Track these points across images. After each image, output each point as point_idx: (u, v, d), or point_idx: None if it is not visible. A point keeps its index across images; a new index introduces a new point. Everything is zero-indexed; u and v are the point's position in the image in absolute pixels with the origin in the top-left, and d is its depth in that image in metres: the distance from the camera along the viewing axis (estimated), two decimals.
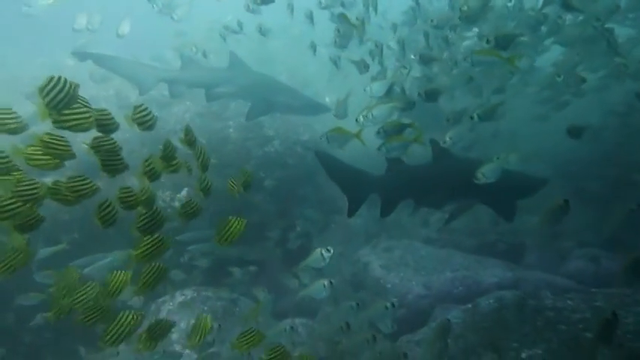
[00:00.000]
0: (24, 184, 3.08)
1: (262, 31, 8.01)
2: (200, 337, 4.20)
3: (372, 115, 4.99)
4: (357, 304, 5.28)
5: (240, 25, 8.49)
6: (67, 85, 2.89)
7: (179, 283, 7.11)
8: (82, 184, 3.32)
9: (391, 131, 5.22)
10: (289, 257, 8.50)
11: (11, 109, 2.99)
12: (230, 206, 7.06)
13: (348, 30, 6.43)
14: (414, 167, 6.46)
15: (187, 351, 5.93)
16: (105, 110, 3.26)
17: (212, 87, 8.62)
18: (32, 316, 6.64)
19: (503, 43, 5.43)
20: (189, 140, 3.85)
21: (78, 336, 6.71)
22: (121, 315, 3.50)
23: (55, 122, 3.04)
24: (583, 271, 7.53)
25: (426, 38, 7.00)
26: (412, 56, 6.44)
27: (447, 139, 5.29)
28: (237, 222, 3.80)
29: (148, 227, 3.60)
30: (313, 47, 7.86)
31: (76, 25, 8.39)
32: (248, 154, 8.69)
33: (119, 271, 3.62)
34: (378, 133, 5.22)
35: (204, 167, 3.93)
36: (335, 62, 7.24)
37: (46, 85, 2.84)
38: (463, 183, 5.91)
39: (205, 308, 6.35)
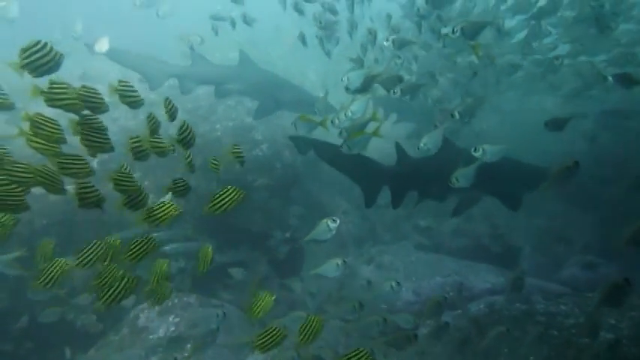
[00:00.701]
0: (17, 167, 3.01)
1: (247, 21, 7.77)
2: (204, 266, 4.00)
3: (351, 111, 4.83)
4: (369, 282, 5.05)
5: (232, 21, 8.13)
6: (52, 52, 2.87)
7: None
8: (76, 163, 3.17)
9: (353, 130, 5.14)
10: (277, 263, 8.30)
11: None
12: None
13: (329, 22, 6.32)
14: (422, 158, 6.30)
15: None
16: (93, 88, 3.18)
17: (221, 84, 8.60)
18: (12, 323, 6.43)
19: (470, 32, 5.32)
20: (171, 112, 3.71)
21: (61, 341, 6.51)
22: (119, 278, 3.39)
23: (47, 101, 3.00)
24: (578, 277, 7.33)
25: (419, 27, 6.83)
26: (385, 42, 6.25)
27: (422, 145, 5.10)
28: (235, 191, 3.61)
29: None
30: (302, 38, 7.74)
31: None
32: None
33: (110, 236, 3.51)
34: (340, 133, 5.11)
35: (188, 144, 3.76)
36: (322, 43, 7.09)
37: (29, 47, 2.81)
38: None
39: (185, 315, 6.08)
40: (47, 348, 6.61)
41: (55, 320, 5.84)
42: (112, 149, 3.38)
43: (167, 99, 3.72)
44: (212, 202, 3.59)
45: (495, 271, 7.21)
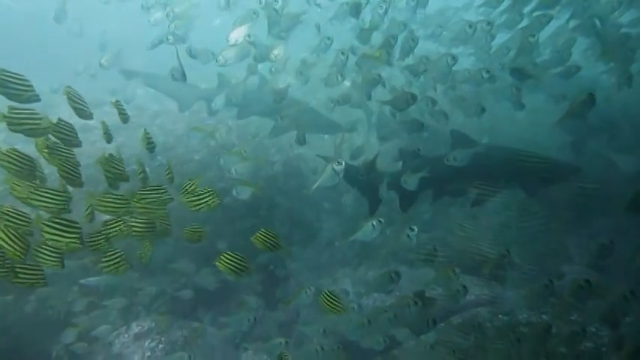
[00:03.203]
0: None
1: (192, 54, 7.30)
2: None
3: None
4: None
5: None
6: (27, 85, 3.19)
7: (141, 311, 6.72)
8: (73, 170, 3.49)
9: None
10: (259, 284, 8.14)
11: None
12: None
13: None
14: (431, 159, 6.58)
15: None
16: (67, 122, 3.45)
17: (244, 106, 8.96)
18: None
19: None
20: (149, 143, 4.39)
21: None
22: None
23: (9, 125, 3.17)
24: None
25: None
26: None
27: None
28: (211, 196, 3.99)
29: None
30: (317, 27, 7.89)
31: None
32: (214, 175, 8.42)
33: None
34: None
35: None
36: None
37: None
38: (490, 169, 6.39)
39: (163, 339, 5.91)
40: None
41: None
42: (81, 185, 3.62)
43: (145, 131, 4.36)
44: (190, 198, 3.93)
45: (480, 284, 7.09)
